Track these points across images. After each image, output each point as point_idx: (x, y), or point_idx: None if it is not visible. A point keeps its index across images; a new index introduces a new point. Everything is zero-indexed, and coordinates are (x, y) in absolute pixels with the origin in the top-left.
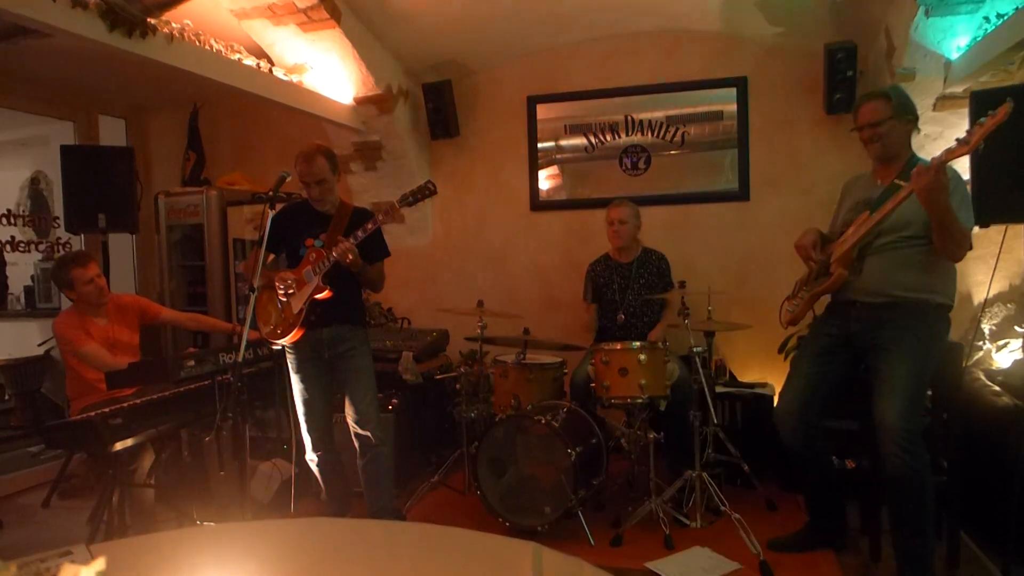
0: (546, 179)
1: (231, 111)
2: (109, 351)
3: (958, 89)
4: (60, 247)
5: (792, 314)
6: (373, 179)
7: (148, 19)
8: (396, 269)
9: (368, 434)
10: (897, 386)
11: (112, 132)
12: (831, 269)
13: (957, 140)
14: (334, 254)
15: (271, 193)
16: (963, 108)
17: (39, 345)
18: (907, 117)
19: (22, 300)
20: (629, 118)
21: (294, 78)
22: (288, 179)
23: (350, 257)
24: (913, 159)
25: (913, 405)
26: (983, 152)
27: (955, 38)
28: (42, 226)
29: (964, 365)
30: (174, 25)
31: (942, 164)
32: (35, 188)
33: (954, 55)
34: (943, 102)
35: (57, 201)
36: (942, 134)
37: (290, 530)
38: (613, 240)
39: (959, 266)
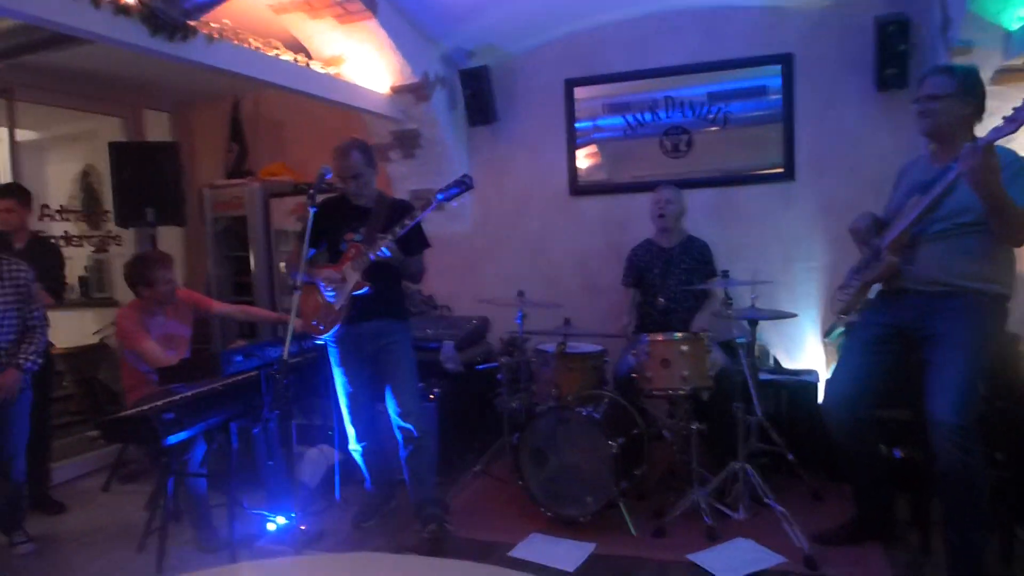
0: (585, 158)
1: (272, 103)
2: (164, 346)
3: (1019, 61)
4: (111, 240)
5: (845, 303)
6: (412, 167)
7: (188, 22)
8: (436, 256)
9: (411, 427)
10: (951, 380)
11: (157, 126)
12: (882, 256)
13: (1005, 119)
14: (374, 252)
15: (312, 191)
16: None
17: (94, 333)
18: (968, 99)
19: (77, 290)
20: (669, 99)
21: (331, 70)
22: (328, 175)
23: (390, 255)
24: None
25: (968, 400)
26: None
27: (1016, 8)
28: (93, 220)
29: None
30: (213, 25)
31: (989, 144)
32: (86, 181)
33: (1014, 26)
34: (1003, 75)
35: (107, 194)
36: (1002, 108)
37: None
38: (657, 221)
39: (1018, 249)
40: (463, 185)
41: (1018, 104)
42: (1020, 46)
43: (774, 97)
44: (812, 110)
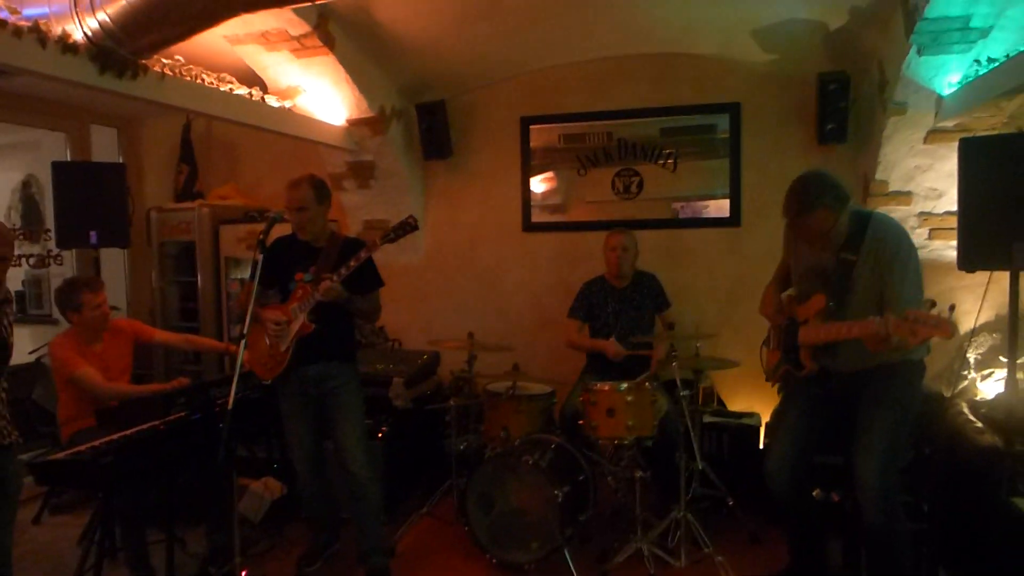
0: (541, 182)
1: (224, 123)
2: (103, 375)
3: (949, 124)
4: (51, 258)
5: (775, 376)
6: (366, 197)
7: (138, 59)
8: (387, 287)
9: (355, 472)
10: (875, 443)
11: (104, 141)
12: (802, 361)
13: (906, 317)
14: (318, 293)
15: (262, 236)
16: (953, 142)
17: (30, 353)
18: (844, 207)
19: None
20: (621, 140)
21: (287, 103)
22: (278, 221)
23: (335, 295)
24: (852, 217)
25: (891, 462)
26: (968, 201)
27: (947, 75)
28: (34, 235)
29: (948, 396)
30: (164, 61)
31: (888, 337)
32: (27, 192)
33: (946, 91)
34: (934, 135)
35: (48, 206)
36: (932, 166)
37: None
38: (612, 267)
39: (948, 295)
40: (407, 227)
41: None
42: (951, 109)
43: (722, 135)
44: (757, 158)
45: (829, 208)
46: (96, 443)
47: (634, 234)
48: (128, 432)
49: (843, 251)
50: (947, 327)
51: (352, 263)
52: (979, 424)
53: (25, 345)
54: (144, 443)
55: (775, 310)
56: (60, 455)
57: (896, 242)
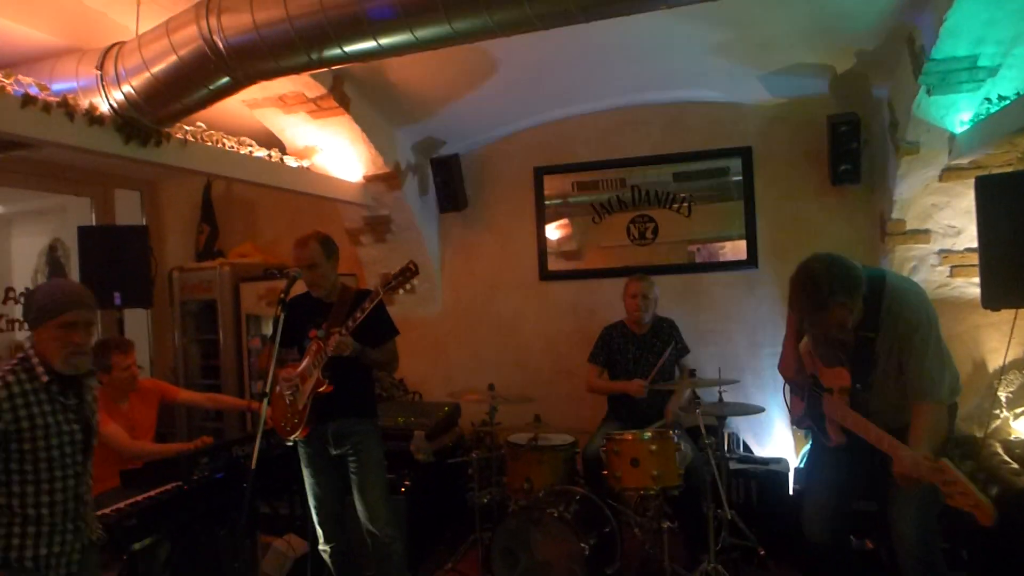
0: (556, 229)
1: (244, 183)
2: (129, 433)
3: (964, 161)
4: None
5: (801, 425)
6: (383, 251)
7: (161, 127)
8: (407, 339)
9: (377, 532)
10: (911, 495)
11: (127, 204)
12: (830, 433)
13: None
14: (329, 348)
15: (283, 294)
16: (968, 179)
17: None
18: (859, 295)
19: None
20: (635, 186)
21: (304, 162)
22: (300, 277)
23: (346, 349)
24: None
25: (927, 511)
26: (987, 237)
27: (958, 113)
28: None
29: (980, 437)
30: (187, 128)
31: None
32: (53, 256)
33: (958, 129)
34: (948, 174)
35: (74, 269)
36: (949, 203)
37: None
38: (632, 313)
39: (973, 333)
40: (407, 272)
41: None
42: (964, 147)
43: (736, 177)
44: (771, 200)
45: (844, 305)
46: (120, 505)
47: (653, 280)
48: (152, 493)
49: (861, 329)
50: (987, 512)
51: (358, 315)
52: (1015, 465)
53: None
54: (168, 504)
55: (796, 370)
56: None
57: (914, 316)
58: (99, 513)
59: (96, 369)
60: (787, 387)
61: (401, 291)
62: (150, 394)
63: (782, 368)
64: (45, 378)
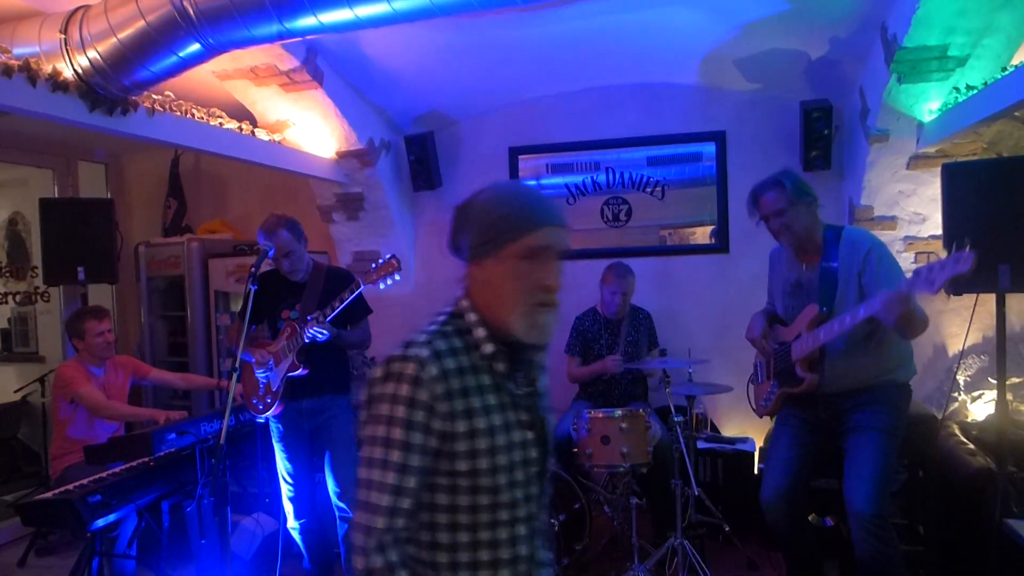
0: None
1: (213, 158)
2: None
3: (931, 150)
4: (38, 295)
5: (767, 408)
6: (355, 228)
7: (128, 96)
8: (379, 317)
9: (347, 507)
10: (865, 470)
11: (92, 177)
12: (799, 373)
13: (918, 273)
14: (305, 336)
15: (254, 269)
16: (936, 167)
17: (16, 391)
18: (805, 200)
19: None
20: (609, 168)
21: (276, 136)
22: (271, 254)
23: (321, 336)
24: (827, 232)
25: (881, 489)
26: (952, 225)
27: (927, 102)
28: (20, 272)
29: (939, 418)
30: (155, 97)
31: (910, 296)
32: (12, 229)
33: (926, 118)
34: (916, 162)
35: (35, 242)
36: (915, 191)
37: None
38: (611, 305)
39: (935, 318)
40: (390, 267)
41: (926, 262)
42: (932, 136)
43: (708, 163)
44: (744, 186)
45: (782, 187)
46: (84, 481)
47: (632, 273)
48: (117, 470)
49: (825, 261)
50: (967, 260)
51: (336, 304)
52: (971, 446)
53: (11, 383)
54: (133, 480)
55: (762, 334)
56: (47, 495)
57: (868, 238)
58: (61, 489)
59: (72, 335)
60: (750, 382)
61: (382, 286)
62: (124, 368)
63: (749, 331)
64: (489, 348)
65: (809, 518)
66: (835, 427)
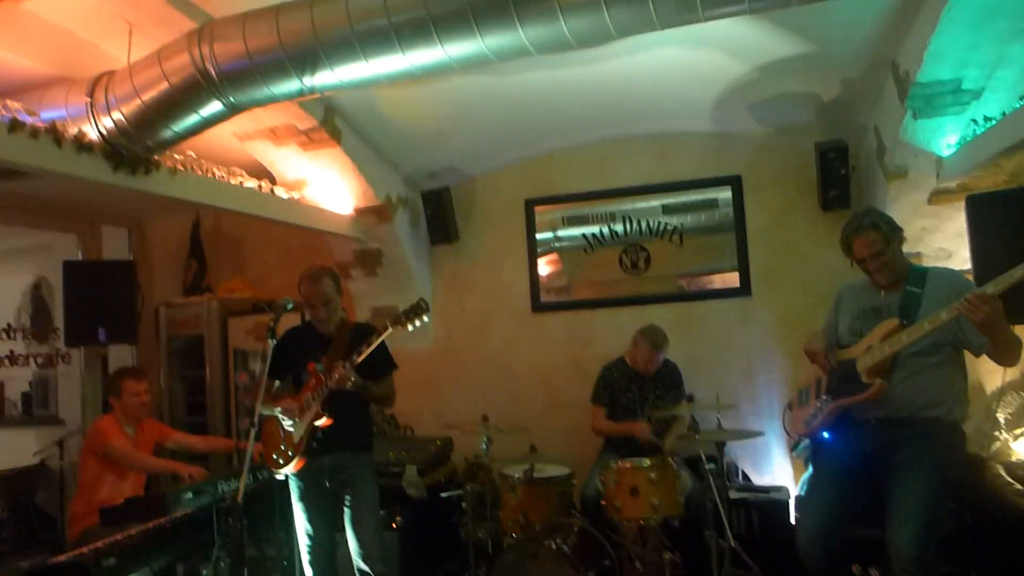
0: (546, 264)
1: (233, 218)
2: None
3: (951, 184)
4: (59, 357)
5: (810, 426)
6: (374, 284)
7: (151, 155)
8: (398, 373)
9: (370, 570)
10: (912, 510)
11: (114, 241)
12: (865, 379)
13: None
14: (331, 382)
15: (272, 323)
16: (958, 201)
17: (35, 454)
18: (898, 237)
19: (19, 407)
20: (626, 216)
21: (295, 194)
22: (289, 308)
23: (348, 384)
24: (913, 268)
25: (928, 530)
26: (981, 255)
27: (944, 136)
28: (41, 336)
29: (985, 458)
30: (176, 157)
31: (995, 297)
32: (37, 294)
33: (945, 152)
34: (937, 197)
35: (58, 306)
36: (939, 227)
37: None
38: (645, 365)
39: (970, 355)
40: (419, 309)
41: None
42: (952, 170)
43: (724, 210)
44: (762, 228)
45: (879, 230)
46: (98, 544)
47: (665, 336)
48: (132, 531)
49: (909, 286)
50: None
51: (364, 348)
52: (1019, 486)
53: (30, 447)
54: (149, 542)
55: (825, 349)
56: (61, 558)
57: (963, 277)
58: (75, 552)
59: (109, 392)
60: (787, 408)
61: (411, 328)
62: (150, 430)
63: (808, 342)
64: None
65: (853, 570)
66: (881, 462)
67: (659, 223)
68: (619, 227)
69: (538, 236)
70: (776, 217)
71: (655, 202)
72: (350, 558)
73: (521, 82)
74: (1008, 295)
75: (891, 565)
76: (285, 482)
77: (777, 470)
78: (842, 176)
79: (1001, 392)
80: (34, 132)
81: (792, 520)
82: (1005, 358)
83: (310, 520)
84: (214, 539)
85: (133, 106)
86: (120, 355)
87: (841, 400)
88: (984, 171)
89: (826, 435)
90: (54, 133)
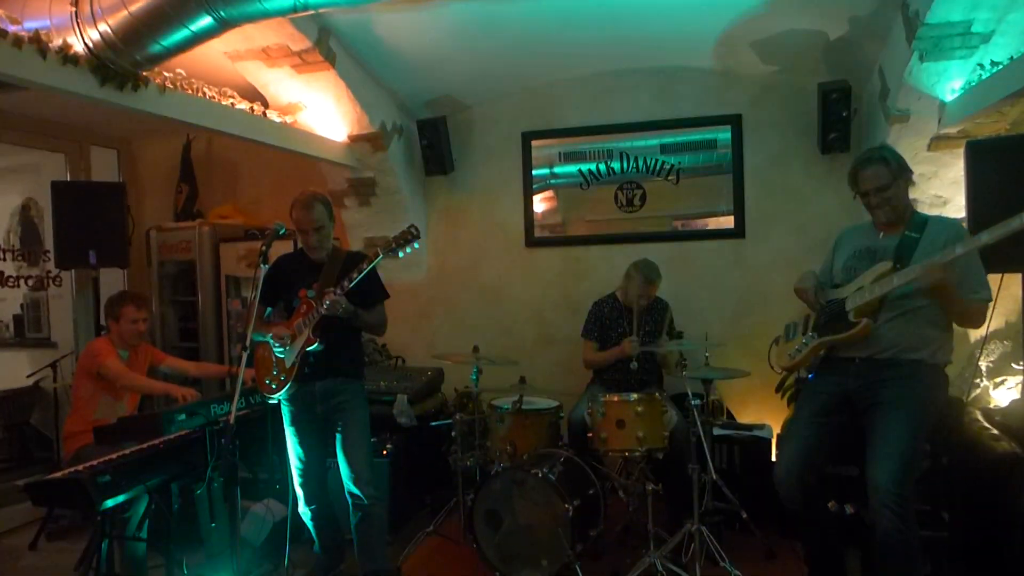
0: (540, 202)
1: (225, 142)
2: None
3: (952, 130)
4: (50, 280)
5: (793, 360)
6: (367, 215)
7: (140, 71)
8: (390, 304)
9: (360, 493)
10: (892, 448)
11: (104, 162)
12: (852, 318)
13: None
14: (322, 307)
15: (264, 248)
16: (958, 148)
17: (28, 376)
18: (906, 175)
19: (11, 329)
20: (623, 152)
21: (288, 118)
22: (282, 232)
23: (338, 309)
24: (916, 214)
25: (907, 468)
26: (977, 204)
27: (949, 81)
28: (32, 257)
29: (964, 402)
30: (166, 74)
31: (950, 264)
32: (26, 215)
33: (948, 97)
34: (937, 143)
35: (48, 228)
36: (936, 173)
37: None
38: (638, 298)
39: None
40: (409, 236)
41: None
42: (953, 116)
43: (723, 151)
44: (760, 170)
45: (887, 164)
46: (93, 462)
47: (658, 272)
48: (126, 451)
49: (907, 231)
50: None
51: (354, 274)
52: (995, 431)
53: (23, 368)
54: (143, 461)
55: (815, 287)
56: (57, 474)
57: (963, 229)
58: (70, 470)
59: (108, 315)
60: (773, 344)
61: (401, 254)
62: (143, 354)
63: (799, 281)
64: None
65: (829, 505)
66: (863, 400)
67: (657, 161)
68: (616, 164)
69: (534, 172)
70: (775, 159)
71: (653, 140)
72: (341, 482)
73: (522, 9)
74: (991, 246)
75: (868, 501)
76: (277, 407)
77: (762, 410)
78: (843, 118)
79: (985, 340)
80: (17, 41)
81: (772, 458)
82: (961, 323)
83: (301, 444)
84: (207, 460)
85: (119, 17)
86: (111, 279)
87: (827, 337)
88: (986, 118)
89: (809, 376)
90: (38, 43)
